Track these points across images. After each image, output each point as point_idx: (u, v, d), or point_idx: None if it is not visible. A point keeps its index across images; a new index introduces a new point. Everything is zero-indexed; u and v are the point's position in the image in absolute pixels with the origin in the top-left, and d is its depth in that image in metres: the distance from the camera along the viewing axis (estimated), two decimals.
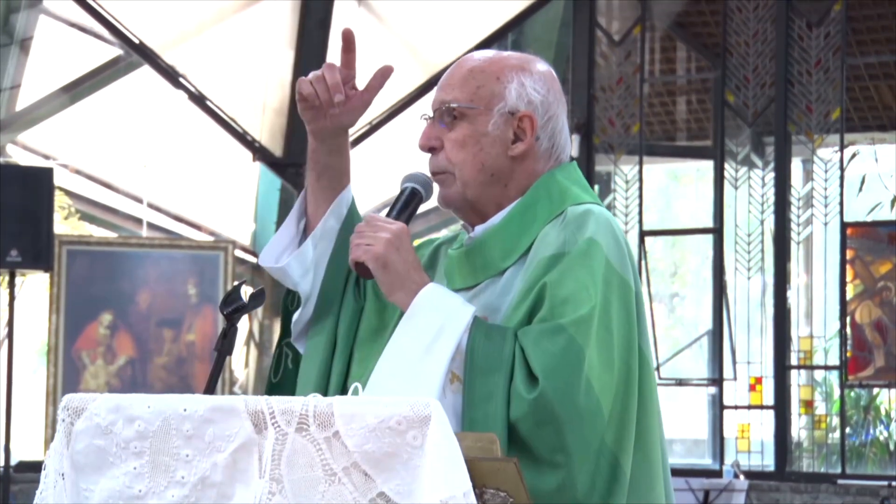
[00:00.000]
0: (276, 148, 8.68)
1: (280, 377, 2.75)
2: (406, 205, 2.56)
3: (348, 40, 2.62)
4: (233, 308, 2.40)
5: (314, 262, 2.67)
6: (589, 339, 2.38)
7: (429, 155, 2.61)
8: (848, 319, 7.96)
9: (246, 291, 2.44)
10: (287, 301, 2.74)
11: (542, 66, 2.62)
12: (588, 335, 2.38)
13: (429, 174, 2.60)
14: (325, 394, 2.55)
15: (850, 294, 7.98)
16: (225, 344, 2.39)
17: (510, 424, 2.34)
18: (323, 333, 2.67)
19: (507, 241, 2.54)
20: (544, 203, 2.57)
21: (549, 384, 2.33)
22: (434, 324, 2.42)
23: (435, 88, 2.64)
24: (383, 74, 2.63)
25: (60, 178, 8.46)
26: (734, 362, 8.37)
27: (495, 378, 2.37)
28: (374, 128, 8.72)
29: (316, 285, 2.68)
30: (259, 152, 8.63)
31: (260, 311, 8.76)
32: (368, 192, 9.44)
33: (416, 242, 2.74)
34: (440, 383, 2.37)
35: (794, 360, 8.22)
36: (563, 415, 2.34)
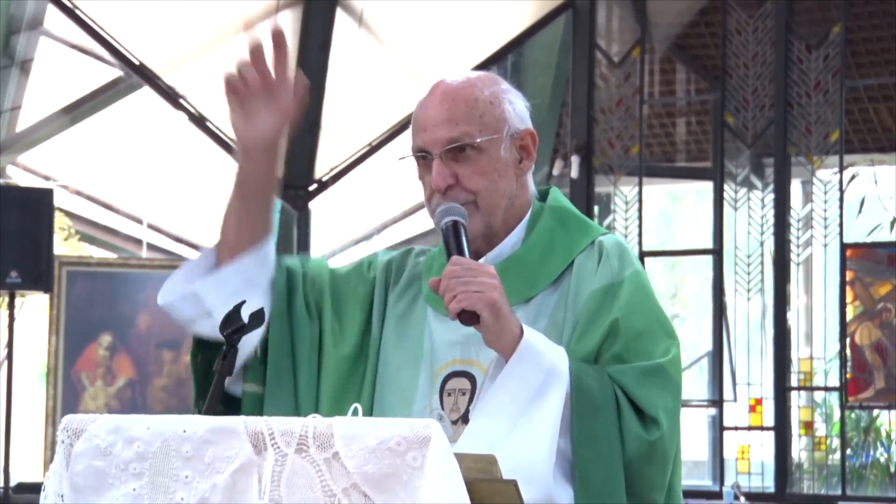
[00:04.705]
0: None
1: None
2: (459, 240, 2.50)
3: (278, 39, 2.60)
4: (232, 329, 2.40)
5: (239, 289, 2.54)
6: (681, 378, 2.47)
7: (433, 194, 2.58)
8: (848, 341, 7.95)
9: (246, 312, 2.44)
10: (196, 358, 2.60)
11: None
12: (680, 373, 2.47)
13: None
14: None
15: (849, 315, 7.98)
16: (224, 365, 2.39)
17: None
18: (281, 378, 2.61)
19: (531, 268, 2.56)
20: (559, 230, 2.61)
21: (667, 425, 2.40)
22: (542, 368, 2.39)
23: (419, 130, 2.58)
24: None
25: (60, 200, 8.46)
26: (734, 384, 8.36)
27: (606, 418, 2.39)
28: (374, 148, 8.74)
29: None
30: None
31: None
32: (368, 213, 9.44)
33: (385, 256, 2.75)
34: (558, 427, 2.36)
35: (794, 382, 8.21)
36: (669, 455, 2.42)
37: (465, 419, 2.48)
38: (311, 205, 8.68)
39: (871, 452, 8.43)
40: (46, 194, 7.61)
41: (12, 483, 7.46)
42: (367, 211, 9.43)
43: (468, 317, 2.39)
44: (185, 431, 2.02)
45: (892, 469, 8.34)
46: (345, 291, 2.70)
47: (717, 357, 8.37)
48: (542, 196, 2.71)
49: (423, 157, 2.59)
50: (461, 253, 2.47)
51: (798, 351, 8.24)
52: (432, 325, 2.61)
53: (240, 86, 2.54)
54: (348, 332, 2.67)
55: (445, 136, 2.54)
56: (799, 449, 8.26)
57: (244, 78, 2.54)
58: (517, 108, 2.60)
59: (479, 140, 2.54)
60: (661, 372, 2.45)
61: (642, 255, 8.48)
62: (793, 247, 8.23)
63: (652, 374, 2.44)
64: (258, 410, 2.55)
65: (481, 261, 2.58)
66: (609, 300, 2.50)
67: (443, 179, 2.54)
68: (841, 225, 8.03)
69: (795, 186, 8.61)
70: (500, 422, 2.35)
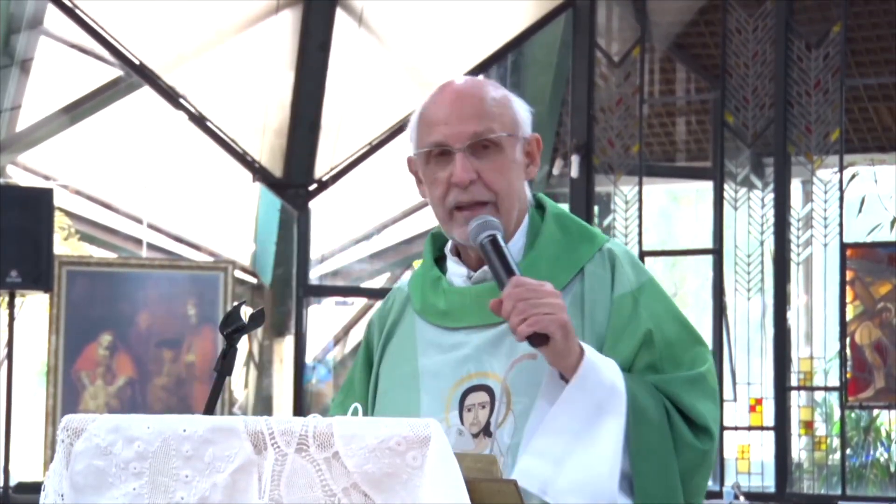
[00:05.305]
0: (276, 169, 8.69)
1: None
2: (504, 258, 2.47)
3: None
4: (233, 328, 2.40)
5: None
6: (717, 385, 2.51)
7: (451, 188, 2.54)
8: (848, 340, 7.95)
9: (245, 312, 2.44)
10: None
11: None
12: (716, 380, 2.51)
13: (453, 207, 2.54)
14: None
15: (849, 315, 7.98)
16: (225, 364, 2.39)
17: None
18: None
19: (540, 278, 2.51)
20: (564, 238, 2.59)
21: (716, 435, 2.44)
22: (603, 385, 2.40)
23: (436, 124, 2.55)
24: None
25: (60, 199, 8.46)
26: (734, 383, 8.35)
27: (660, 431, 2.41)
28: (374, 148, 8.73)
29: None
30: (259, 173, 8.64)
31: (259, 331, 8.76)
32: (368, 213, 9.45)
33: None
34: (621, 442, 2.38)
35: (794, 381, 8.21)
36: (713, 463, 2.48)
37: (486, 432, 2.48)
38: (312, 204, 8.68)
39: (871, 452, 8.43)
40: (46, 194, 7.61)
41: (12, 482, 7.45)
42: (368, 210, 9.43)
43: (539, 339, 2.37)
44: (185, 431, 2.02)
45: (892, 469, 8.33)
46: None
47: (716, 356, 8.37)
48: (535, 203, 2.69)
49: (440, 152, 2.54)
50: (510, 270, 2.44)
51: (798, 350, 8.23)
52: (433, 338, 2.60)
53: None
54: (363, 402, 2.68)
55: (470, 130, 2.52)
56: (799, 448, 8.26)
57: None
58: (525, 112, 2.60)
59: (503, 135, 2.53)
60: (702, 381, 2.48)
61: (642, 254, 8.47)
62: (793, 246, 8.23)
63: (696, 384, 2.47)
64: None
65: (485, 269, 2.56)
66: (634, 308, 2.51)
67: (466, 173, 2.51)
68: (841, 224, 8.03)
69: (795, 186, 8.61)
70: (564, 439, 2.35)
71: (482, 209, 2.52)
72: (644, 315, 2.50)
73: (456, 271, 2.62)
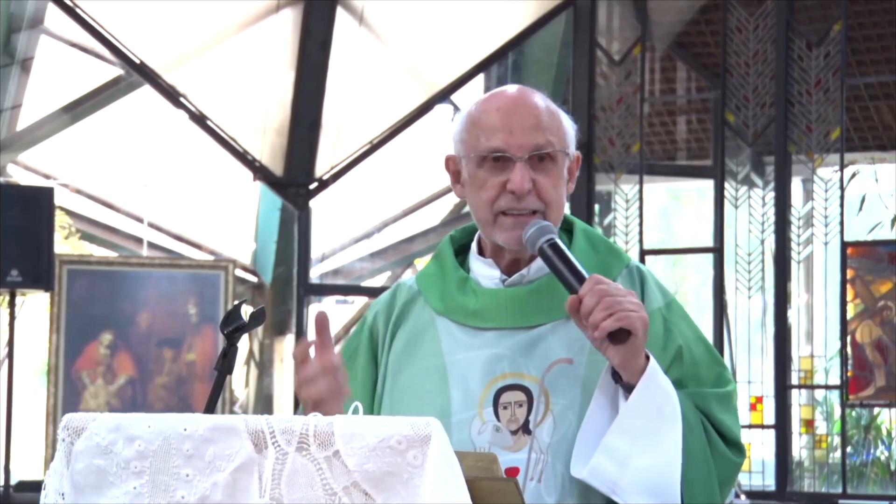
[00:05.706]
0: (277, 167, 8.69)
1: None
2: (568, 259, 2.50)
3: (320, 324, 2.52)
4: (233, 327, 2.40)
5: None
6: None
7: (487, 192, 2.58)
8: (848, 339, 7.95)
9: (246, 311, 2.44)
10: None
11: None
12: (737, 400, 2.65)
13: (498, 213, 2.57)
14: None
15: (850, 313, 7.98)
16: (225, 363, 2.39)
17: None
18: None
19: None
20: (593, 252, 2.65)
21: (745, 450, 2.57)
22: (664, 389, 2.47)
23: (497, 131, 2.57)
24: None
25: (61, 198, 8.47)
26: (734, 382, 8.35)
27: (700, 441, 2.50)
28: (374, 147, 8.73)
29: None
30: (259, 172, 8.64)
31: (260, 330, 8.76)
32: (369, 211, 9.45)
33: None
34: (681, 445, 2.45)
35: (794, 380, 8.21)
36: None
37: (525, 430, 2.52)
38: (312, 203, 8.68)
39: (872, 450, 8.44)
40: (47, 193, 7.61)
41: (13, 481, 7.46)
42: (368, 209, 9.43)
43: (621, 336, 2.41)
44: (185, 430, 2.02)
45: (893, 467, 8.34)
46: (355, 367, 2.72)
47: None
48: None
49: (496, 157, 2.56)
50: (576, 271, 2.48)
51: (799, 349, 8.23)
52: (459, 337, 2.61)
53: (300, 359, 2.52)
54: (366, 389, 2.68)
55: (533, 141, 2.55)
56: (799, 447, 8.26)
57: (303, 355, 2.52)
58: (571, 130, 2.65)
59: (561, 150, 2.58)
60: (730, 399, 2.62)
61: (643, 253, 8.47)
62: (793, 245, 8.23)
63: (724, 400, 2.60)
64: None
65: (522, 273, 2.60)
66: (665, 325, 2.60)
67: (528, 182, 2.54)
68: (841, 223, 8.03)
69: (796, 184, 8.61)
70: (634, 439, 2.43)
71: (531, 218, 2.56)
72: (676, 332, 2.60)
73: (485, 273, 2.64)
